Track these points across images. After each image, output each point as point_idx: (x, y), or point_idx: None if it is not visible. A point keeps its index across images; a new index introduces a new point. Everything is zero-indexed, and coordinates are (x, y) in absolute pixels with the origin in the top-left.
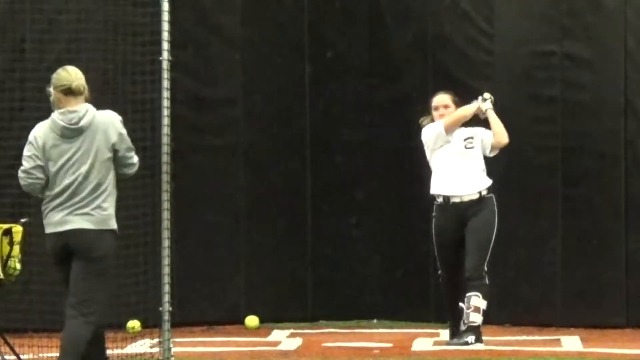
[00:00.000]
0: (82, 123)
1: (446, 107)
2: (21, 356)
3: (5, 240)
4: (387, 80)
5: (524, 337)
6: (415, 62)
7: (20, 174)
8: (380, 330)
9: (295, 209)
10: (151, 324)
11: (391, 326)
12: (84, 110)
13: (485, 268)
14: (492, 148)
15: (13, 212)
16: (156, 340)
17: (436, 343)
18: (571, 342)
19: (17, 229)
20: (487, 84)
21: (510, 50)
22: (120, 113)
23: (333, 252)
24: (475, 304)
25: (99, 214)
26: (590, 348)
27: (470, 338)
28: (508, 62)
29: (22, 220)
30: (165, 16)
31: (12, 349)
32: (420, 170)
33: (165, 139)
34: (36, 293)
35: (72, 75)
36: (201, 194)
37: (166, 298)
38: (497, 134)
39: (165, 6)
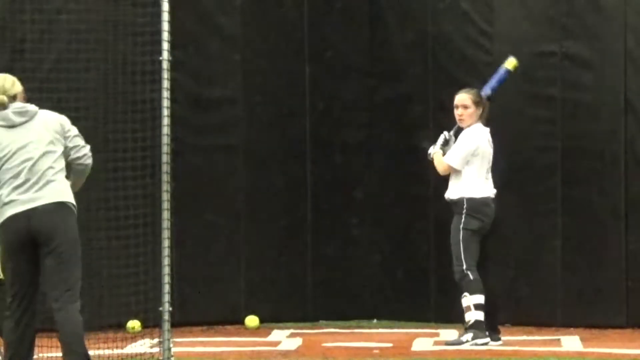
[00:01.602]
0: (29, 108)
1: (465, 107)
2: None
3: None
4: (387, 80)
5: (524, 337)
6: (415, 62)
7: None
8: (380, 330)
9: (295, 209)
10: (151, 324)
11: (391, 326)
12: (27, 103)
13: (465, 265)
14: None
15: None
16: (156, 340)
17: (436, 343)
18: (571, 342)
19: None
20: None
21: (510, 50)
22: (120, 113)
23: (333, 252)
24: (465, 304)
25: (57, 189)
26: (590, 348)
27: (467, 337)
28: None
29: None
30: (165, 16)
31: None
32: (421, 170)
33: (165, 139)
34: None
35: None
36: (201, 194)
37: (166, 298)
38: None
39: (165, 6)
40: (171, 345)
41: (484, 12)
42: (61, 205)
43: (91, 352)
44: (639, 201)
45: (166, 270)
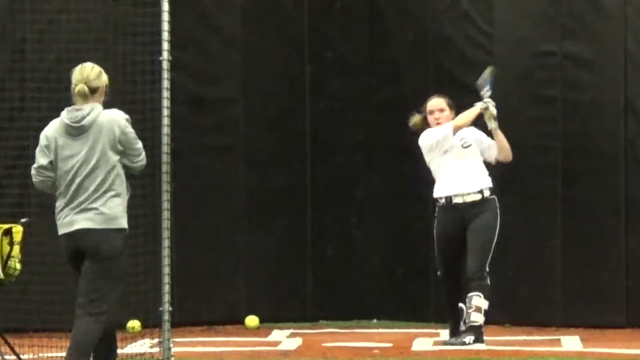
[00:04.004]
0: (84, 122)
1: (441, 110)
2: (21, 356)
3: (5, 240)
4: (387, 80)
5: (524, 337)
6: (415, 62)
7: (32, 171)
8: (380, 330)
9: (295, 209)
10: (151, 324)
11: (391, 326)
12: (89, 109)
13: (487, 269)
14: (496, 159)
15: (13, 212)
16: (156, 340)
17: (436, 343)
18: (571, 342)
19: (17, 229)
20: None
21: (510, 50)
22: None
23: (333, 252)
24: (476, 303)
25: (104, 213)
26: (590, 348)
27: (469, 338)
28: (508, 62)
29: (22, 220)
30: (165, 16)
31: (12, 349)
32: (421, 171)
33: (165, 139)
34: (36, 293)
35: (82, 75)
36: (201, 194)
37: (166, 298)
38: (505, 150)
39: (165, 6)
40: (171, 345)
41: (484, 12)
42: (101, 231)
43: None
44: (639, 201)
45: (166, 270)
